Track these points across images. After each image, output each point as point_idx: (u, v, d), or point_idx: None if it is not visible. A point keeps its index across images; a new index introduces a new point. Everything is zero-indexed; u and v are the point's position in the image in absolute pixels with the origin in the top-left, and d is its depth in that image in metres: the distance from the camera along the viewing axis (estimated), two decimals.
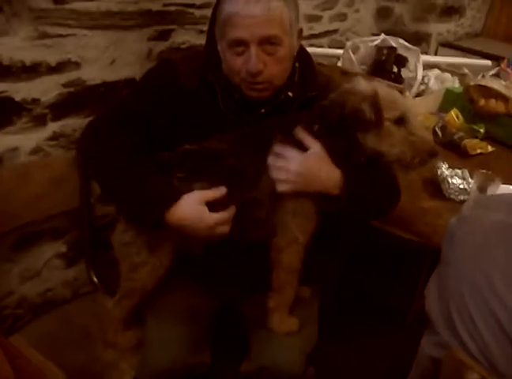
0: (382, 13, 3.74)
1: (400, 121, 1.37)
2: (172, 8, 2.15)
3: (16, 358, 1.34)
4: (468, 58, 3.52)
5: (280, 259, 1.46)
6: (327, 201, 1.39)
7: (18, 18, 1.69)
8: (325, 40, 3.33)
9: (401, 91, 2.30)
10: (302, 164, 1.36)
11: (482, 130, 2.46)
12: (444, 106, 2.69)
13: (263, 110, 1.50)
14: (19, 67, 1.74)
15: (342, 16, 3.43)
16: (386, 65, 2.67)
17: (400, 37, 2.83)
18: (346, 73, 2.31)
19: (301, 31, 1.50)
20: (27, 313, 2.11)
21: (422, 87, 2.77)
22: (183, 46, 2.27)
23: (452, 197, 1.92)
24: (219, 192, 1.37)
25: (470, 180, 1.92)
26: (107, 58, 2.00)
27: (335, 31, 3.41)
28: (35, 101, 1.83)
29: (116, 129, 1.51)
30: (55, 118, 1.92)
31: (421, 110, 2.52)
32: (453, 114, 2.52)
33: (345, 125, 1.36)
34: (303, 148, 1.39)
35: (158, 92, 1.53)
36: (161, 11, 2.11)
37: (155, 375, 1.55)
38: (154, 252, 1.46)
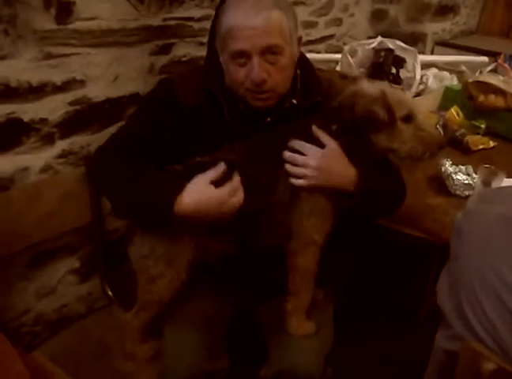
0: (377, 16, 3.77)
1: (409, 118, 1.41)
2: (172, 22, 2.18)
3: (39, 374, 1.37)
4: (465, 55, 3.54)
5: (297, 262, 1.47)
6: (341, 198, 1.42)
7: (23, 40, 1.72)
8: (322, 46, 3.35)
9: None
10: (321, 160, 1.39)
11: (483, 126, 2.48)
12: (444, 105, 2.71)
13: (269, 119, 1.52)
14: (26, 88, 1.77)
15: (338, 21, 3.45)
16: (385, 67, 2.69)
17: (397, 38, 2.85)
18: (345, 77, 2.33)
19: (300, 38, 1.53)
20: (44, 329, 2.13)
21: (421, 86, 2.79)
22: (184, 59, 2.30)
23: (457, 192, 1.94)
24: (220, 169, 1.39)
25: (474, 175, 1.94)
26: (111, 75, 2.02)
27: (331, 36, 3.44)
28: (43, 120, 1.86)
29: (123, 153, 1.53)
30: (63, 136, 1.94)
31: (422, 110, 2.54)
32: (454, 112, 2.54)
33: (358, 127, 1.39)
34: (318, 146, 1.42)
35: (159, 114, 1.55)
36: (161, 26, 2.14)
37: None
38: (171, 264, 1.47)
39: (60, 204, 1.89)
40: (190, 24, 2.27)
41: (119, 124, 2.05)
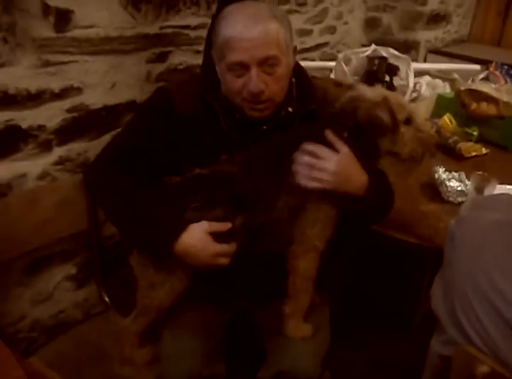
0: (371, 24, 3.81)
1: (408, 121, 1.43)
2: (169, 30, 2.21)
3: None
4: (457, 63, 3.58)
5: (297, 266, 1.49)
6: (349, 202, 1.43)
7: (22, 48, 1.73)
8: (316, 53, 3.39)
9: None
10: (338, 164, 1.38)
11: (475, 133, 2.50)
12: (437, 112, 2.73)
13: (265, 127, 1.53)
14: (24, 95, 1.79)
15: (332, 29, 3.49)
16: (378, 75, 2.72)
17: (390, 46, 2.88)
18: (340, 85, 2.36)
19: (295, 48, 1.54)
20: (40, 335, 2.14)
21: (414, 94, 2.81)
22: (181, 67, 2.32)
23: (450, 199, 1.95)
24: (224, 226, 1.41)
25: (467, 182, 1.96)
26: (108, 82, 2.04)
27: (326, 43, 3.48)
28: (41, 127, 1.88)
29: (118, 164, 1.54)
30: (60, 143, 1.96)
31: (419, 111, 2.57)
32: (447, 119, 2.57)
33: (362, 131, 1.40)
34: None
35: (155, 123, 1.55)
36: (158, 34, 2.16)
37: None
38: (172, 271, 1.48)
39: (57, 210, 1.90)
40: (186, 32, 2.30)
41: (116, 131, 2.06)
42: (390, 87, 2.70)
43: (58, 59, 1.85)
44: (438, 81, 2.95)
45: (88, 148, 2.04)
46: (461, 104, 2.60)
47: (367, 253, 2.30)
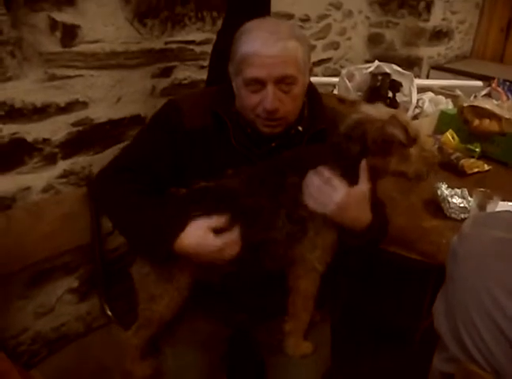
0: (374, 40, 3.84)
1: (414, 140, 1.41)
2: (174, 45, 2.23)
3: None
4: (460, 79, 3.60)
5: (298, 285, 1.48)
6: (346, 235, 1.42)
7: (29, 62, 1.75)
8: (319, 69, 3.40)
9: None
10: (345, 198, 1.35)
11: (478, 150, 2.51)
12: (439, 128, 2.74)
13: (274, 144, 1.52)
14: (30, 109, 1.80)
15: (335, 45, 3.51)
16: (381, 91, 2.74)
17: (393, 62, 2.90)
18: (343, 101, 2.37)
19: (312, 68, 1.53)
20: (42, 348, 2.13)
21: (417, 110, 2.83)
22: (185, 81, 2.33)
23: (453, 215, 1.96)
24: (222, 219, 1.40)
25: (470, 199, 1.97)
26: (113, 97, 2.06)
27: (329, 59, 3.50)
28: (46, 141, 1.89)
29: (124, 175, 1.54)
30: (65, 157, 1.97)
31: (423, 129, 2.58)
32: (449, 135, 2.58)
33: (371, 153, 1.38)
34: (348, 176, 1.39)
35: (163, 136, 1.55)
36: (163, 49, 2.18)
37: None
38: (172, 283, 1.48)
39: (61, 223, 1.91)
40: (191, 47, 2.32)
41: (121, 145, 2.09)
42: (393, 103, 2.72)
43: (64, 73, 1.86)
44: (441, 98, 2.97)
45: (93, 161, 2.05)
46: (463, 121, 2.61)
47: (369, 268, 2.30)
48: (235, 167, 1.48)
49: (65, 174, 1.99)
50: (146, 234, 1.44)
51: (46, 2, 1.74)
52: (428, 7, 3.65)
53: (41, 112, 1.84)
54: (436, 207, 2.02)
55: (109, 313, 2.04)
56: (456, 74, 3.80)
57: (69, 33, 1.84)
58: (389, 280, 2.62)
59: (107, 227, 2.08)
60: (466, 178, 2.34)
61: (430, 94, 2.98)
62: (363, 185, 1.37)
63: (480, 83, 3.35)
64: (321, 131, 1.54)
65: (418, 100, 2.82)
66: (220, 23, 2.15)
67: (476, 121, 2.55)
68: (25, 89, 1.77)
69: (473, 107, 2.58)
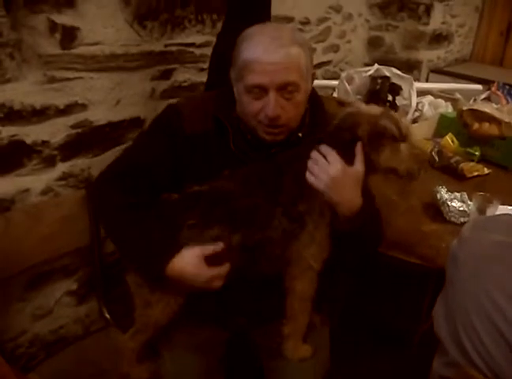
0: (373, 43, 3.84)
1: (405, 137, 1.42)
2: (173, 48, 2.23)
3: None
4: (459, 83, 3.59)
5: (294, 287, 1.48)
6: (338, 221, 1.42)
7: (28, 64, 1.75)
8: (319, 72, 3.39)
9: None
10: (339, 172, 1.36)
11: (477, 153, 2.51)
12: (439, 132, 2.74)
13: (273, 151, 1.52)
14: (29, 111, 1.80)
15: (335, 48, 3.51)
16: (381, 94, 2.74)
17: (392, 65, 2.90)
18: (343, 104, 2.37)
19: (314, 74, 1.53)
20: (40, 351, 2.13)
21: (416, 113, 2.83)
22: (185, 84, 2.33)
23: (452, 219, 1.95)
24: (217, 247, 1.40)
25: (469, 202, 1.96)
26: (113, 99, 2.05)
27: (329, 62, 3.50)
28: (45, 143, 1.89)
29: (121, 181, 1.53)
30: (64, 159, 1.97)
31: (417, 136, 2.58)
32: (449, 139, 2.58)
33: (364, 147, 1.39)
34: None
35: (162, 141, 1.54)
36: (163, 51, 2.18)
37: None
38: (167, 290, 1.48)
39: (60, 225, 1.90)
40: (191, 50, 2.32)
41: (120, 147, 2.09)
42: (393, 106, 2.72)
43: (64, 76, 1.86)
44: (441, 101, 2.97)
45: (92, 164, 2.05)
46: (463, 124, 2.61)
47: (368, 272, 2.29)
48: (231, 170, 1.48)
49: (64, 177, 1.99)
50: (139, 255, 1.45)
51: (45, 4, 1.74)
52: (428, 10, 3.65)
53: (40, 114, 1.84)
54: (436, 210, 2.01)
55: (107, 315, 2.03)
56: (455, 78, 3.79)
57: (69, 35, 1.84)
58: (389, 284, 2.61)
59: None
60: (466, 181, 2.33)
61: (429, 97, 2.98)
62: (358, 166, 1.38)
63: (479, 86, 3.35)
64: (320, 139, 1.53)
65: (417, 104, 2.82)
66: (219, 25, 2.16)
67: (476, 125, 2.54)
68: (24, 91, 1.77)
69: (473, 111, 2.58)
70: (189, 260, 1.39)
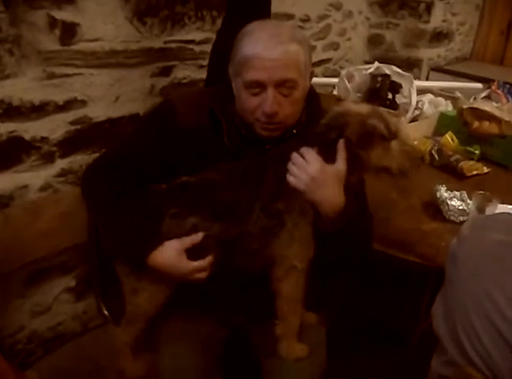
0: (374, 41, 3.83)
1: (395, 134, 1.42)
2: (173, 45, 2.23)
3: None
4: (459, 81, 3.58)
5: (280, 289, 1.48)
6: (321, 222, 1.42)
7: (27, 60, 1.75)
8: (319, 69, 3.40)
9: (398, 117, 2.36)
10: (318, 172, 1.36)
11: (477, 152, 2.50)
12: (439, 130, 2.73)
13: (267, 147, 1.52)
14: (28, 107, 1.80)
15: (335, 45, 3.51)
16: (381, 93, 2.73)
17: (392, 63, 2.88)
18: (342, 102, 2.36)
19: (312, 72, 1.53)
20: (38, 347, 2.13)
21: (416, 112, 2.81)
22: (184, 81, 2.33)
23: (452, 218, 1.95)
24: (196, 238, 1.41)
25: (469, 201, 1.96)
26: (112, 95, 2.05)
27: (328, 60, 3.50)
28: (44, 139, 1.89)
29: (109, 173, 1.54)
30: (63, 155, 1.97)
31: (417, 135, 2.58)
32: (448, 137, 2.57)
33: (350, 146, 1.38)
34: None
35: (153, 135, 1.54)
36: (163, 48, 2.18)
37: None
38: (153, 281, 1.48)
39: (59, 221, 1.91)
40: (190, 46, 2.31)
41: None
42: (393, 104, 2.71)
43: (63, 72, 1.86)
44: (441, 99, 2.96)
45: (91, 160, 2.01)
46: (463, 123, 2.60)
47: (367, 271, 2.29)
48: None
49: (63, 173, 1.99)
50: (122, 243, 1.46)
51: (45, 0, 1.74)
52: (428, 8, 3.64)
53: (39, 110, 1.84)
54: (435, 209, 2.01)
55: (105, 312, 2.02)
56: (456, 76, 3.79)
57: (69, 31, 1.83)
58: (388, 283, 2.61)
59: None
60: (465, 180, 2.32)
61: (429, 96, 2.96)
62: (340, 165, 1.38)
63: (479, 85, 3.34)
64: None
65: (417, 102, 2.81)
66: (219, 22, 2.15)
67: (476, 124, 2.54)
68: (23, 87, 1.77)
69: (473, 109, 2.57)
70: (168, 254, 1.41)
